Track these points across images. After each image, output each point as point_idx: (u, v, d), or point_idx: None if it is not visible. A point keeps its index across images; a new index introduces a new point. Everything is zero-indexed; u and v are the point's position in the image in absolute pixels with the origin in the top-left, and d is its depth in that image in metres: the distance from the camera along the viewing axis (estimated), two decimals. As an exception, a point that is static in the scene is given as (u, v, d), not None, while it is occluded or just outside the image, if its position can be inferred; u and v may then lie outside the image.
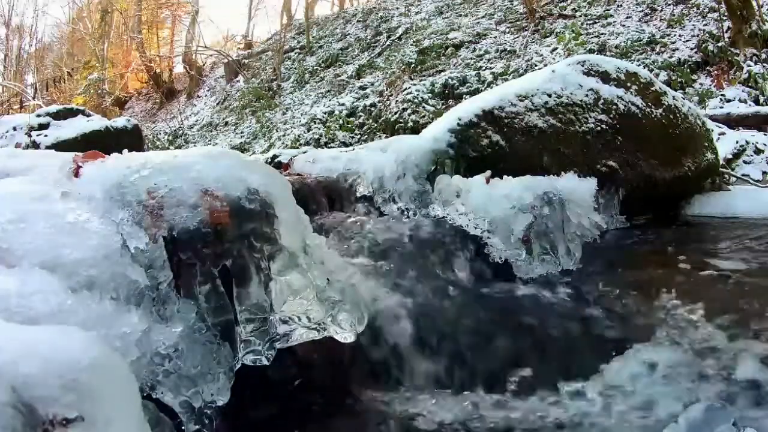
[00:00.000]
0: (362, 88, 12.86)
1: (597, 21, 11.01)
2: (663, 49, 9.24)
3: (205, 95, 19.91)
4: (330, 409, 1.36)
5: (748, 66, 7.65)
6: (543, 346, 1.55)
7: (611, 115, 2.56)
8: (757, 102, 7.07)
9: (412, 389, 1.40)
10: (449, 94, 10.28)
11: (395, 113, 10.24)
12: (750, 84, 7.45)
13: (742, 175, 4.37)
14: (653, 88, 2.80)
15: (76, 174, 1.27)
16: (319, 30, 18.73)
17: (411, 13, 15.85)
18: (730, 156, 4.97)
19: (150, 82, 22.24)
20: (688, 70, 8.45)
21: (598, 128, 2.51)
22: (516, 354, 1.54)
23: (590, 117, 2.52)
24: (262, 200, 1.23)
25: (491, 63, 11.23)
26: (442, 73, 11.09)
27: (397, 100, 10.55)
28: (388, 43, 14.77)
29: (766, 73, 7.40)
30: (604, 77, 2.69)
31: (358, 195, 2.46)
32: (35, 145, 7.23)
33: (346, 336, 1.31)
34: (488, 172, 2.10)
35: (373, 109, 11.58)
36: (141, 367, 0.96)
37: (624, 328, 1.54)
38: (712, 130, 3.43)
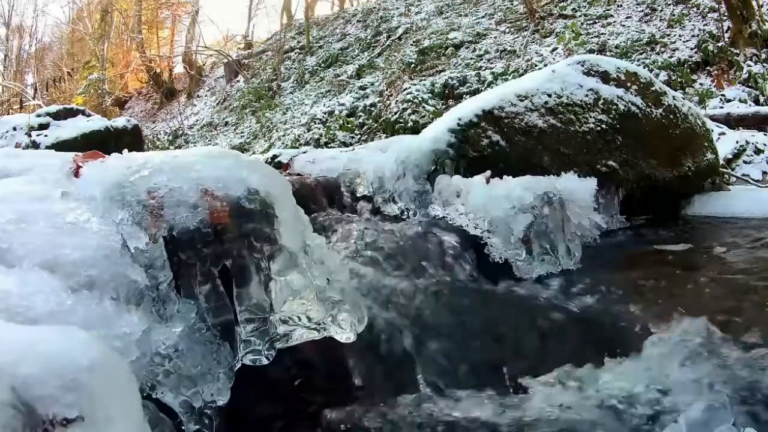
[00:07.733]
0: (362, 88, 12.86)
1: (597, 21, 11.02)
2: (663, 49, 9.24)
3: (205, 95, 19.91)
4: (330, 409, 1.36)
5: (748, 66, 7.66)
6: (541, 345, 1.55)
7: (611, 115, 2.56)
8: (757, 102, 7.07)
9: (412, 389, 1.40)
10: (449, 94, 10.28)
11: (395, 113, 10.23)
12: (750, 84, 7.46)
13: (742, 175, 4.38)
14: (653, 88, 2.80)
15: (76, 174, 1.27)
16: (319, 30, 18.73)
17: (411, 13, 15.85)
18: (730, 156, 4.97)
19: (150, 82, 22.25)
20: (688, 70, 8.45)
21: (598, 128, 2.52)
22: (514, 354, 1.54)
23: (590, 117, 2.52)
24: (262, 200, 1.23)
25: (491, 63, 11.24)
26: (442, 73, 11.09)
27: (397, 100, 10.55)
28: (388, 43, 14.77)
29: (766, 73, 7.40)
30: (604, 77, 2.69)
31: (358, 195, 2.46)
32: (35, 145, 7.23)
33: (346, 336, 1.31)
34: (488, 172, 2.10)
35: (373, 109, 11.58)
36: (141, 367, 0.96)
37: (623, 327, 1.54)
38: (712, 130, 3.43)
